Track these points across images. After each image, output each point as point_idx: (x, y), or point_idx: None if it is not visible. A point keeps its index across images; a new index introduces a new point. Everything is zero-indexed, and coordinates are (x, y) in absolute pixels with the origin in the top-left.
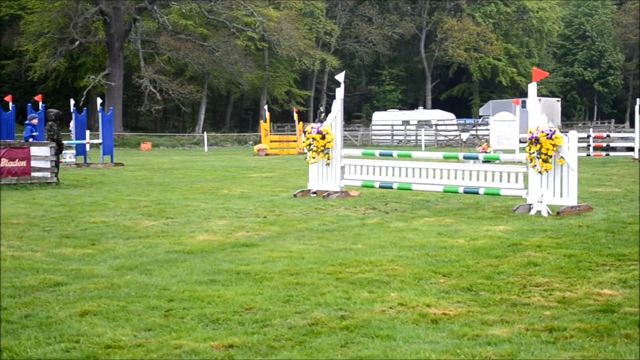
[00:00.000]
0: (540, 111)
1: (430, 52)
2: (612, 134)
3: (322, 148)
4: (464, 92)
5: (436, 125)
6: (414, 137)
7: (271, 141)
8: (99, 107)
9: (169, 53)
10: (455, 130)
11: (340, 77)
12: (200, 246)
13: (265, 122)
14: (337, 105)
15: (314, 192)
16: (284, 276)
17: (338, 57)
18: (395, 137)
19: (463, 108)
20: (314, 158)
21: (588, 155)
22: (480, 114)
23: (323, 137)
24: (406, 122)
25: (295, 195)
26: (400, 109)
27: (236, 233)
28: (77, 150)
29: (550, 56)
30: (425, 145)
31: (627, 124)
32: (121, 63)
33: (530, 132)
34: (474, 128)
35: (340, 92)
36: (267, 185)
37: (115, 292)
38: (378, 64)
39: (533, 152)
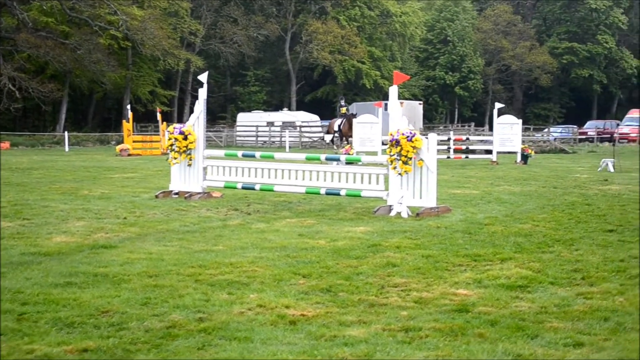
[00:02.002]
0: (402, 114)
1: (295, 54)
2: (472, 137)
3: (185, 149)
4: (329, 94)
5: (300, 126)
6: (278, 139)
7: (134, 141)
8: None
9: (29, 50)
10: (320, 132)
11: (203, 77)
12: (57, 248)
13: (128, 122)
14: (200, 106)
15: (176, 193)
16: (143, 278)
17: (203, 57)
18: (259, 138)
19: (327, 110)
20: (175, 159)
21: (448, 157)
22: None
23: (185, 138)
24: (271, 124)
25: (156, 196)
26: (265, 110)
27: (95, 234)
28: None
29: (413, 60)
30: (290, 147)
31: (487, 127)
32: None
33: (391, 135)
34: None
35: (203, 93)
36: (128, 185)
37: None
38: (243, 65)
39: (393, 154)
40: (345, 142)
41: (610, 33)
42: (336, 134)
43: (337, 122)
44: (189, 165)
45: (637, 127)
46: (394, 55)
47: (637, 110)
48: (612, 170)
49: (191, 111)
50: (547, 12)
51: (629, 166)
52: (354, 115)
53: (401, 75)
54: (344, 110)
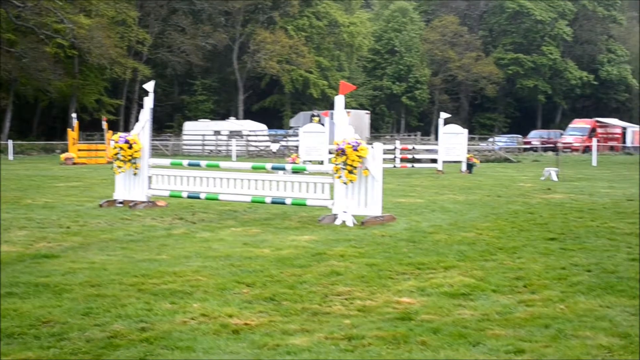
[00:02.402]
0: (349, 123)
1: (243, 64)
2: (418, 146)
3: (130, 157)
4: (276, 104)
5: (247, 135)
6: (225, 148)
7: (79, 150)
8: None
9: None
10: (266, 141)
11: (149, 86)
12: None
13: (73, 130)
14: (145, 115)
15: (121, 202)
16: (85, 288)
17: (150, 66)
18: (206, 147)
19: (274, 119)
20: (120, 167)
21: (394, 166)
22: (291, 125)
23: (130, 147)
24: (217, 132)
25: (101, 205)
26: (212, 119)
27: (37, 244)
28: None
29: (361, 70)
30: (237, 156)
31: (433, 136)
32: None
33: (337, 144)
34: (285, 139)
35: (148, 102)
36: (72, 194)
37: None
38: (190, 74)
39: (339, 163)
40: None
41: (555, 44)
42: None
43: None
44: (134, 174)
45: (580, 136)
46: (342, 65)
47: (581, 120)
48: (555, 179)
49: (137, 120)
50: (493, 24)
51: (572, 175)
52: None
53: (347, 85)
54: (315, 120)
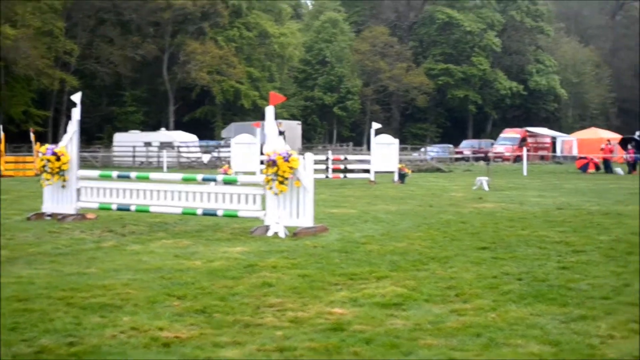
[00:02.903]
0: (278, 134)
1: (173, 74)
2: (350, 157)
3: (58, 169)
4: (207, 115)
5: (178, 147)
6: (156, 159)
7: (6, 162)
8: None
9: None
10: (198, 152)
11: (76, 97)
12: None
13: (0, 142)
14: (73, 126)
15: (49, 215)
16: (11, 303)
17: (78, 77)
18: (137, 159)
19: (206, 130)
20: (48, 180)
21: (327, 177)
22: (223, 136)
23: (58, 159)
24: (148, 144)
25: (29, 218)
26: (142, 130)
27: None
28: None
29: (292, 80)
30: (168, 167)
31: (365, 146)
32: None
33: (268, 155)
34: (216, 150)
35: (76, 113)
36: None
37: None
38: (120, 85)
39: (270, 174)
40: None
41: (485, 55)
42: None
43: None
44: (63, 186)
45: (511, 146)
46: (273, 76)
47: (511, 129)
48: (486, 188)
49: (66, 131)
50: (423, 35)
51: (503, 184)
52: (282, 134)
53: (277, 96)
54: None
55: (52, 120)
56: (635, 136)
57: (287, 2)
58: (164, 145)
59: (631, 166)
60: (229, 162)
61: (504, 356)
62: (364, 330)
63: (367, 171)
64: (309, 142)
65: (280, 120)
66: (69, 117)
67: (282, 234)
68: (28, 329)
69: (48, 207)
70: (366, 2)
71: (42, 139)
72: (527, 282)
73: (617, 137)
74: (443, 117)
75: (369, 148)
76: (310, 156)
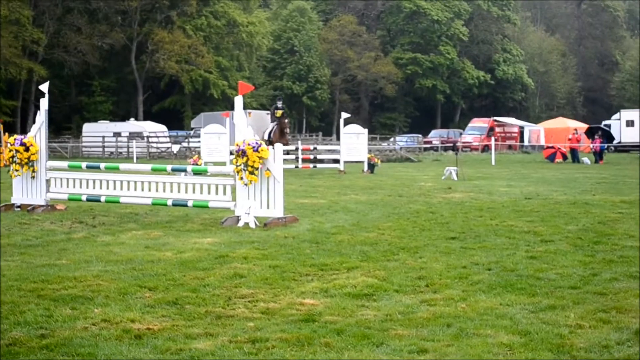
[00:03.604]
0: (250, 124)
1: (141, 64)
2: (320, 147)
3: (26, 160)
4: (176, 104)
5: (148, 137)
6: (125, 149)
7: None
8: None
9: None
10: (167, 142)
11: (44, 87)
12: None
13: None
14: (41, 117)
15: (18, 206)
16: None
17: (46, 66)
18: (106, 149)
19: (175, 120)
20: (17, 171)
21: (296, 167)
22: (192, 126)
23: (27, 149)
24: (117, 134)
25: None
26: (111, 120)
27: None
28: None
29: (261, 70)
30: (137, 157)
31: (334, 136)
32: None
33: (237, 145)
34: (186, 140)
35: (44, 103)
36: None
37: None
38: (88, 75)
39: (240, 165)
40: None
41: (452, 44)
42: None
43: (267, 129)
44: (32, 177)
45: (479, 135)
46: (242, 65)
47: (479, 119)
48: (455, 178)
49: (35, 121)
50: (390, 24)
51: (472, 174)
52: (285, 117)
53: (246, 85)
54: (279, 113)
55: (20, 111)
56: (602, 126)
57: None
58: (134, 136)
59: (598, 155)
60: (198, 153)
61: (474, 347)
62: (335, 321)
63: (337, 161)
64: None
65: (249, 110)
66: (37, 107)
67: (252, 225)
68: None
69: (17, 198)
70: None
71: (10, 129)
72: (496, 272)
73: (584, 126)
74: (412, 107)
75: (338, 138)
76: (279, 147)
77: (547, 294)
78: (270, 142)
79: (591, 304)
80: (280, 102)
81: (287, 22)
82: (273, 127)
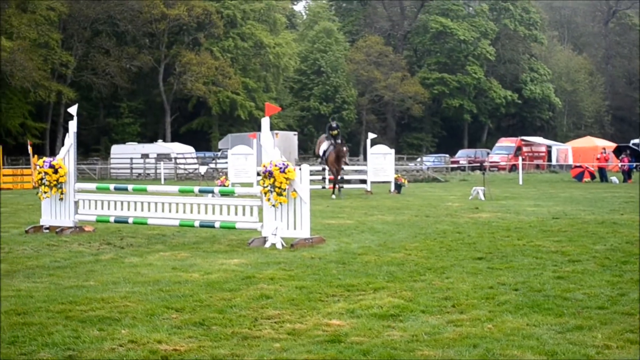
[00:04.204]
0: (277, 145)
1: (169, 85)
2: (347, 167)
3: (55, 182)
4: (204, 126)
5: (175, 158)
6: (153, 171)
7: (4, 175)
8: None
9: None
10: (195, 164)
11: (72, 110)
12: None
13: None
14: (70, 139)
15: (47, 228)
16: (11, 316)
17: (75, 89)
18: (134, 171)
19: (202, 141)
20: (46, 193)
21: (323, 187)
22: (220, 147)
23: (56, 171)
24: (145, 156)
25: (27, 232)
26: (139, 142)
27: None
28: None
29: (287, 90)
30: (165, 179)
31: (361, 157)
32: None
33: (264, 166)
34: (213, 161)
35: (73, 125)
36: None
37: None
38: (116, 97)
39: (267, 186)
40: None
41: (479, 64)
42: (320, 160)
43: (323, 145)
44: (61, 199)
45: (507, 155)
46: (269, 86)
47: (507, 138)
48: (482, 198)
49: (64, 144)
50: (417, 44)
51: (499, 194)
52: (343, 145)
53: (273, 107)
54: (334, 133)
55: (50, 133)
56: (630, 144)
57: (281, 12)
58: (161, 157)
59: (626, 175)
60: (226, 174)
61: None
62: (361, 341)
63: (364, 181)
64: (305, 152)
65: (276, 131)
66: (66, 129)
67: (279, 246)
68: (27, 343)
69: (46, 220)
70: (360, 11)
71: (39, 151)
72: (523, 292)
73: (612, 145)
74: (439, 127)
75: (365, 158)
76: (306, 168)
77: (574, 314)
78: (326, 160)
79: (619, 324)
80: (335, 122)
81: (314, 43)
82: (329, 147)
